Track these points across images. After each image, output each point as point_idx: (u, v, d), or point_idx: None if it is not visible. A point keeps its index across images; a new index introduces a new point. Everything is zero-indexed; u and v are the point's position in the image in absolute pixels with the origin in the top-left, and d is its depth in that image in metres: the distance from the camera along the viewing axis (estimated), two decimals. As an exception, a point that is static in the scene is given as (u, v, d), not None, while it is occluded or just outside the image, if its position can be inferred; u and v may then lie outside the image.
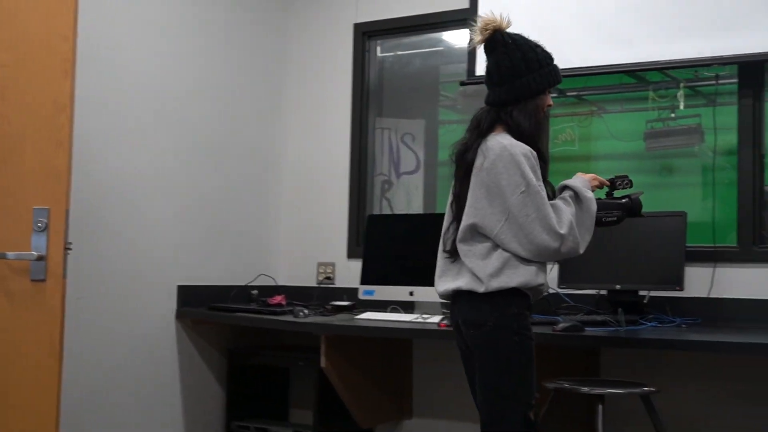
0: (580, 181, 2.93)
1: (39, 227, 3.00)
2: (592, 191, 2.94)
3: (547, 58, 2.91)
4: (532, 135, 2.85)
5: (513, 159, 2.75)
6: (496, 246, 2.78)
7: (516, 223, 2.74)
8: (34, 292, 3.01)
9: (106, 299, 4.03)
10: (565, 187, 2.91)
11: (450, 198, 3.01)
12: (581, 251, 2.82)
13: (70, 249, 3.09)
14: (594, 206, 2.86)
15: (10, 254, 3.01)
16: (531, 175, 2.74)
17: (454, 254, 2.90)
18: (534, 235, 2.72)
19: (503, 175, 2.75)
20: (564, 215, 2.77)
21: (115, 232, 4.08)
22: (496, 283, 2.75)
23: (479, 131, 2.91)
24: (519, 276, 2.76)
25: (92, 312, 3.94)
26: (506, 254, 2.77)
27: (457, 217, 2.91)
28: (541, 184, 2.78)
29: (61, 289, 3.03)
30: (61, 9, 3.05)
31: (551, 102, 2.95)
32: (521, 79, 2.85)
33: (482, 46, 2.92)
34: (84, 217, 3.77)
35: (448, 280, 2.91)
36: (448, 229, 2.97)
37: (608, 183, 3.06)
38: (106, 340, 4.03)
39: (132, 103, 4.20)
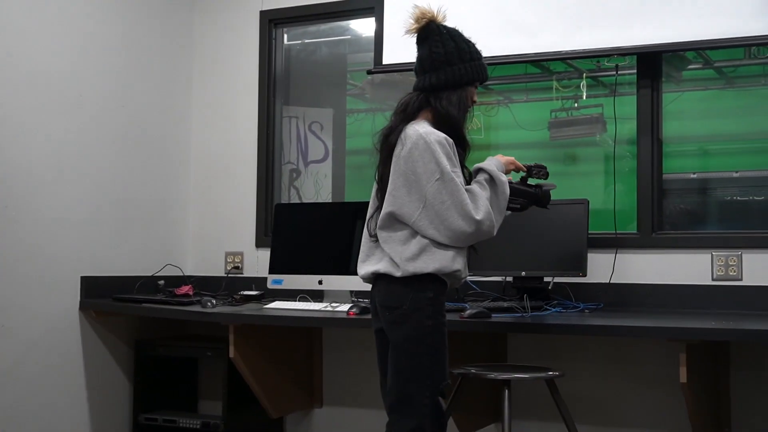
0: (495, 163, 2.99)
1: (-61, 219, 2.97)
2: (506, 174, 3.02)
3: (478, 53, 3.00)
4: (458, 122, 2.93)
5: (428, 147, 2.82)
6: (416, 233, 2.85)
7: (432, 210, 2.81)
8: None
9: (7, 291, 3.97)
10: (480, 170, 2.97)
11: (375, 183, 3.05)
12: (494, 233, 2.90)
13: (-30, 241, 3.06)
14: (507, 189, 2.94)
15: None
16: (445, 163, 2.80)
17: (372, 237, 2.98)
18: (450, 221, 2.80)
19: (419, 163, 2.82)
20: (480, 200, 2.85)
21: (16, 222, 4.01)
22: (412, 268, 2.83)
23: (404, 115, 2.97)
24: (435, 261, 2.83)
25: (-7, 305, 3.88)
26: (425, 240, 2.84)
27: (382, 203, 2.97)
28: (457, 170, 2.85)
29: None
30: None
31: (476, 98, 3.02)
32: (453, 67, 2.93)
33: (415, 36, 3.00)
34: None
35: (369, 264, 2.98)
36: (372, 214, 3.02)
37: (525, 169, 3.13)
38: (6, 332, 3.96)
39: (35, 98, 4.14)
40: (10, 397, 3.97)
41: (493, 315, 3.45)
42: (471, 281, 3.97)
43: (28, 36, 4.12)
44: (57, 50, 4.27)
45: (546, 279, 3.85)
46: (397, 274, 2.85)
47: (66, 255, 4.27)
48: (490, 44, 4.07)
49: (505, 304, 3.63)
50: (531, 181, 3.16)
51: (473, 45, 3.00)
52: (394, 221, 2.90)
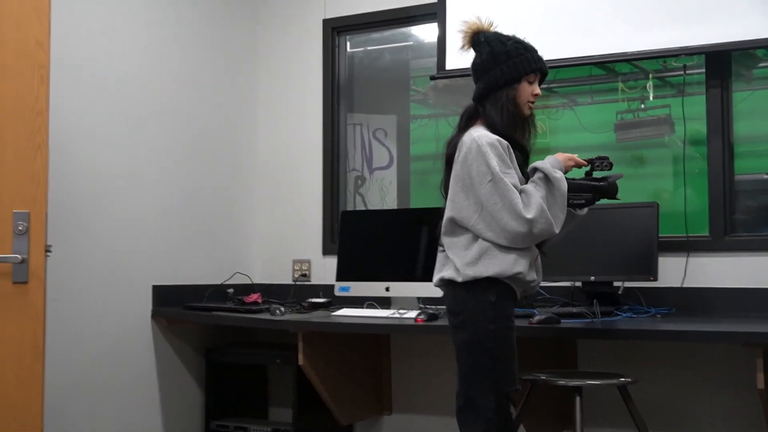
0: (551, 161, 2.98)
1: (20, 230, 3.06)
2: (567, 171, 3.00)
3: (519, 48, 3.00)
4: (505, 126, 2.94)
5: (480, 150, 2.85)
6: (477, 237, 2.88)
7: (488, 213, 2.84)
8: (16, 294, 3.08)
9: (83, 300, 4.04)
10: (535, 170, 2.96)
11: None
12: (557, 230, 2.88)
13: (50, 251, 3.15)
14: (564, 185, 2.91)
15: (-7, 257, 3.06)
16: (495, 164, 2.83)
17: (440, 246, 3.01)
18: (504, 223, 2.81)
19: (473, 166, 2.86)
20: (533, 199, 2.84)
21: (91, 233, 4.10)
22: (472, 272, 2.85)
23: (462, 125, 3.05)
24: (495, 265, 2.84)
25: (69, 313, 3.96)
26: (486, 244, 2.86)
27: None
28: (510, 171, 2.86)
29: (42, 291, 3.10)
30: (35, 16, 3.10)
31: (537, 91, 3.01)
32: (489, 73, 2.97)
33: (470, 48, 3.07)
34: (61, 219, 3.80)
35: (438, 271, 3.01)
36: (438, 223, 3.05)
37: (586, 163, 3.09)
38: (83, 340, 4.05)
39: (106, 107, 4.22)
40: (85, 403, 4.05)
41: (562, 320, 3.43)
42: (540, 287, 3.95)
43: (103, 49, 4.21)
44: (130, 62, 4.36)
45: (616, 284, 3.81)
46: (459, 279, 2.89)
47: (138, 264, 4.35)
48: (554, 46, 4.11)
49: (575, 310, 3.60)
50: (596, 174, 3.11)
51: (512, 42, 3.01)
52: (456, 226, 2.94)
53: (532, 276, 2.95)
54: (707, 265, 3.86)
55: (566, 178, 2.97)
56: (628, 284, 3.81)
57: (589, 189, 3.04)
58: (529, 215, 2.81)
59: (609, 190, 3.07)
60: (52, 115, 3.19)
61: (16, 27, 3.10)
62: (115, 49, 4.30)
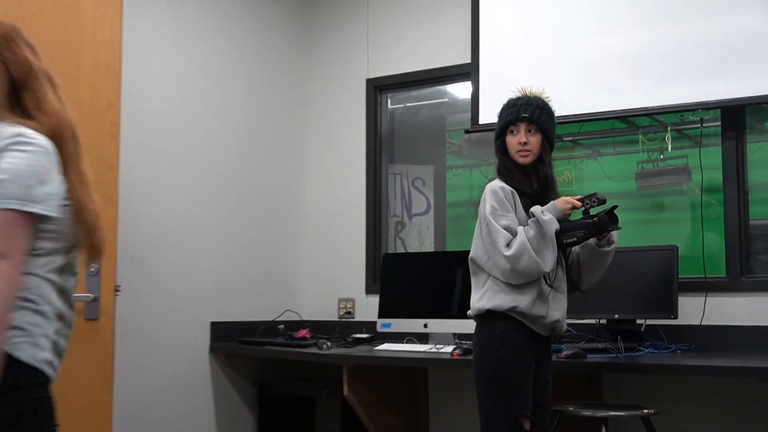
0: (548, 206, 2.96)
1: (92, 272, 3.13)
2: (568, 213, 2.98)
3: (503, 107, 3.06)
4: (504, 175, 3.01)
5: (484, 196, 2.97)
6: (488, 275, 2.94)
7: (488, 253, 2.91)
8: (88, 330, 3.13)
9: (147, 335, 4.09)
10: (531, 213, 2.96)
11: None
12: (545, 269, 2.87)
13: (118, 291, 3.20)
14: (551, 227, 2.88)
15: (70, 296, 3.13)
16: (489, 208, 2.91)
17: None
18: (495, 260, 2.88)
19: (480, 212, 2.97)
20: (517, 239, 2.87)
21: (156, 274, 4.15)
22: (478, 306, 2.94)
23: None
24: (495, 300, 2.90)
25: (135, 347, 4.00)
26: (491, 281, 2.93)
27: None
28: (508, 214, 2.91)
29: (111, 327, 3.15)
30: (107, 80, 3.19)
31: (521, 139, 2.97)
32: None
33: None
34: (129, 262, 3.86)
35: None
36: None
37: (579, 204, 3.01)
38: (147, 373, 4.09)
39: (171, 161, 4.30)
40: (153, 430, 4.09)
41: (588, 355, 3.42)
42: (567, 324, 3.92)
43: (168, 109, 4.30)
44: (193, 121, 4.45)
45: (638, 321, 3.77)
46: (471, 314, 2.98)
47: (197, 302, 4.39)
48: (580, 102, 4.14)
49: (600, 345, 3.58)
50: (593, 211, 3.03)
51: (505, 103, 3.06)
52: (475, 266, 3.01)
53: (540, 311, 2.92)
54: (725, 304, 3.81)
55: (565, 221, 2.96)
56: (649, 322, 3.77)
57: (581, 227, 2.96)
58: (508, 252, 2.85)
59: (600, 224, 2.95)
60: (122, 169, 3.27)
61: (90, 89, 3.18)
62: (180, 110, 4.38)
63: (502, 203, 2.92)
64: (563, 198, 3.02)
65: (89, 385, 3.13)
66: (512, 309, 2.88)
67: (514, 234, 2.88)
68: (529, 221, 2.94)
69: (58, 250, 1.95)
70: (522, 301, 2.88)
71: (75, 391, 3.12)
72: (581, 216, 3.01)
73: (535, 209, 2.95)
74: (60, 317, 1.97)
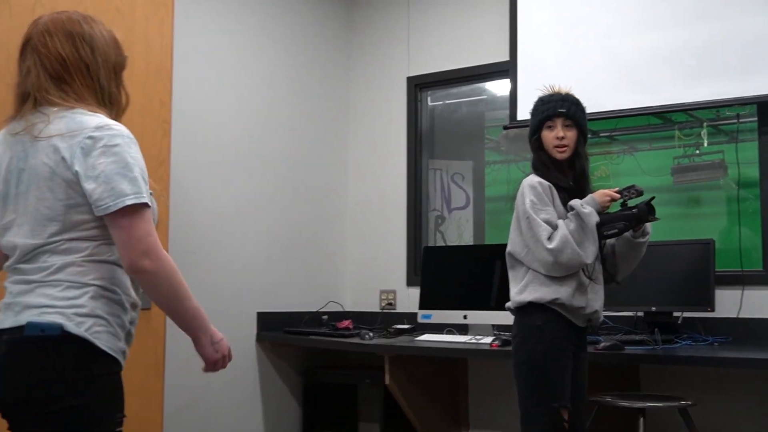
0: (587, 199, 2.94)
1: (144, 264, 3.13)
2: (606, 206, 2.95)
3: (537, 104, 3.05)
4: (541, 171, 2.99)
5: (522, 191, 2.94)
6: (528, 269, 2.91)
7: (528, 247, 2.87)
8: (141, 319, 3.08)
9: (196, 326, 4.11)
10: (570, 207, 2.94)
11: None
12: (587, 261, 2.85)
13: (169, 283, 3.20)
14: (592, 219, 2.86)
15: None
16: (529, 203, 2.88)
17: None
18: (537, 254, 2.86)
19: (519, 207, 2.94)
20: (559, 232, 2.85)
21: (205, 266, 4.16)
22: (518, 299, 2.91)
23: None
24: (536, 292, 2.87)
25: (183, 336, 3.97)
26: (532, 274, 2.90)
27: None
28: (547, 208, 2.89)
29: (163, 318, 3.14)
30: (159, 79, 3.19)
31: (558, 134, 2.96)
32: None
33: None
34: (179, 254, 3.85)
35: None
36: None
37: (618, 196, 2.99)
38: (196, 360, 4.09)
39: (219, 157, 4.31)
40: (198, 417, 4.10)
41: (625, 347, 3.36)
42: (604, 316, 3.87)
43: (217, 106, 4.31)
44: (240, 118, 4.45)
45: (675, 314, 3.71)
46: (512, 306, 2.95)
47: (244, 293, 4.40)
48: (616, 99, 4.08)
49: (637, 338, 3.52)
50: (631, 203, 3.00)
51: (538, 99, 3.05)
52: (513, 260, 2.98)
53: (580, 303, 2.89)
54: (761, 297, 3.73)
55: (603, 213, 2.93)
56: (686, 314, 3.71)
57: (621, 218, 2.94)
58: (550, 246, 2.83)
59: (640, 215, 2.93)
60: (172, 165, 3.27)
61: (142, 88, 3.18)
62: (228, 107, 4.39)
63: (541, 198, 2.89)
64: (601, 191, 2.99)
65: (142, 372, 3.14)
66: (553, 301, 2.85)
67: (554, 227, 2.86)
68: (568, 214, 2.91)
69: None
70: (563, 292, 2.85)
71: (129, 378, 3.08)
72: (619, 208, 2.99)
73: (575, 202, 2.92)
74: (134, 307, 1.97)
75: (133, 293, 1.94)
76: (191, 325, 1.97)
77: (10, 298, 1.87)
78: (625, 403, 3.15)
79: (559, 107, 2.96)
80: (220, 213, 4.28)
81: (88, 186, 1.81)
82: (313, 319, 4.65)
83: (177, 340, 3.87)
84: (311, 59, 4.91)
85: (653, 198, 2.97)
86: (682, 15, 3.98)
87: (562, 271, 2.85)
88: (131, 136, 1.87)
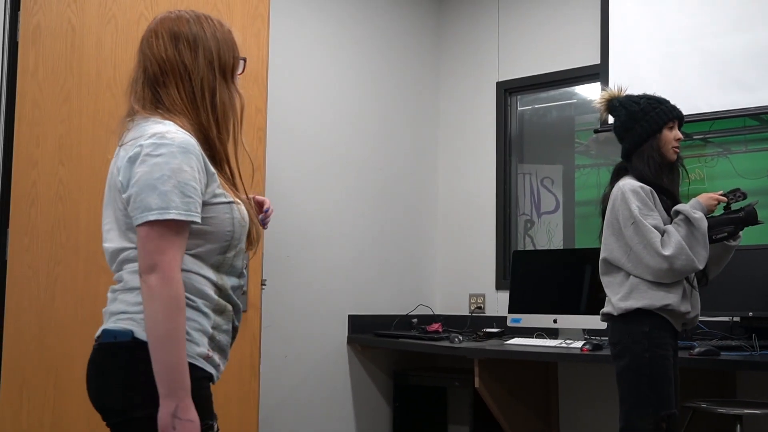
0: (693, 204, 2.92)
1: (242, 267, 3.20)
2: (712, 210, 2.94)
3: (653, 104, 2.99)
4: (652, 176, 2.93)
5: (624, 197, 2.87)
6: (628, 275, 2.86)
7: (633, 252, 2.83)
8: (236, 322, 3.21)
9: (290, 327, 4.18)
10: (677, 212, 2.90)
11: None
12: (700, 266, 2.83)
13: (264, 285, 3.28)
14: (704, 224, 2.84)
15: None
16: (635, 208, 2.82)
17: (601, 287, 2.97)
18: (646, 261, 2.80)
19: (619, 212, 2.88)
20: (672, 238, 2.81)
21: (299, 270, 4.24)
22: (624, 306, 2.83)
23: (612, 180, 3.07)
24: (645, 299, 2.81)
25: (279, 338, 4.10)
26: (636, 280, 2.84)
27: None
28: (653, 213, 2.84)
29: (258, 318, 3.23)
30: (255, 87, 3.27)
31: (678, 135, 2.97)
32: (630, 132, 2.98)
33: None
34: (274, 257, 3.96)
35: (604, 307, 2.99)
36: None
37: (724, 199, 2.98)
38: (289, 361, 4.18)
39: (313, 162, 4.38)
40: (291, 416, 4.17)
41: (721, 353, 3.28)
42: (699, 321, 3.78)
43: (311, 113, 4.39)
44: (332, 124, 4.52)
45: (774, 319, 3.60)
46: (615, 313, 2.87)
47: (336, 296, 4.45)
48: (710, 100, 4.00)
49: (734, 343, 3.43)
50: (734, 206, 2.99)
51: (645, 99, 3.00)
52: (610, 266, 2.93)
53: (686, 308, 2.87)
54: None
55: (708, 217, 2.90)
56: (786, 320, 3.59)
57: (729, 222, 2.93)
58: (667, 252, 2.78)
59: (748, 218, 2.93)
60: (267, 170, 3.34)
61: (240, 96, 3.27)
62: (321, 114, 4.46)
63: (645, 202, 2.86)
64: (706, 194, 2.97)
65: (239, 372, 3.22)
66: (664, 307, 2.81)
67: (662, 233, 2.82)
68: (677, 220, 2.88)
69: (212, 248, 1.81)
70: (672, 298, 2.82)
71: (226, 378, 3.17)
72: (723, 212, 2.97)
73: (683, 208, 2.89)
74: (220, 312, 1.84)
75: (215, 297, 1.82)
76: (166, 377, 1.67)
77: (107, 305, 1.86)
78: (722, 410, 3.08)
79: (677, 109, 2.99)
80: (313, 218, 4.36)
81: (126, 196, 1.76)
82: (402, 322, 4.68)
83: (271, 342, 3.99)
84: (401, 65, 4.95)
85: (757, 202, 2.95)
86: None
87: (675, 277, 2.82)
88: (187, 146, 1.75)
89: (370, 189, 4.70)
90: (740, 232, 2.99)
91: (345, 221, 4.53)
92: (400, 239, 4.87)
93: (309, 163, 4.36)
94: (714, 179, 4.32)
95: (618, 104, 3.03)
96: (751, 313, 3.64)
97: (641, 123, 2.95)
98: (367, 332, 4.52)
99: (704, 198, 2.95)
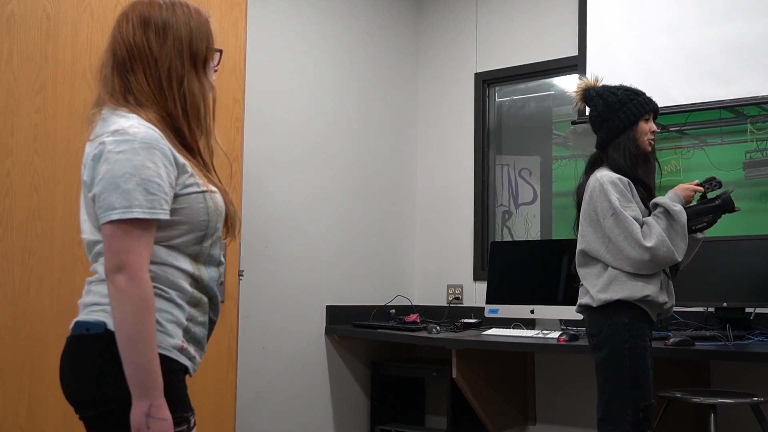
0: (670, 196, 2.94)
1: (218, 258, 3.19)
2: (690, 200, 2.96)
3: (630, 95, 3.00)
4: (628, 167, 2.94)
5: (602, 188, 2.87)
6: (606, 266, 2.87)
7: (612, 244, 2.83)
8: (213, 312, 3.19)
9: (268, 318, 4.17)
10: (656, 205, 2.92)
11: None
12: (679, 258, 2.85)
13: (242, 276, 3.26)
14: (683, 216, 2.87)
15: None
16: (615, 199, 2.83)
17: (577, 277, 2.98)
18: (627, 252, 2.80)
19: (597, 203, 2.88)
20: (653, 229, 2.82)
21: (276, 260, 4.22)
22: (604, 297, 2.84)
23: (588, 170, 3.07)
24: (625, 290, 2.82)
25: (257, 329, 4.09)
26: (614, 272, 2.85)
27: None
28: (631, 205, 2.85)
29: (236, 309, 3.21)
30: (233, 77, 3.25)
31: (654, 127, 2.99)
32: (608, 122, 2.98)
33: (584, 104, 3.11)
34: (252, 248, 3.94)
35: (579, 298, 3.00)
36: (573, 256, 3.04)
37: (701, 189, 3.01)
38: (267, 352, 4.18)
39: (291, 153, 4.36)
40: (269, 407, 4.17)
41: (696, 343, 3.31)
42: (674, 311, 3.82)
43: (288, 104, 4.36)
44: (311, 115, 4.50)
45: (748, 310, 3.63)
46: (594, 304, 2.87)
47: (314, 287, 4.45)
48: (687, 92, 4.01)
49: (708, 333, 3.47)
50: (710, 195, 3.02)
51: (622, 90, 3.00)
52: (587, 258, 2.93)
53: (664, 298, 2.89)
54: (837, 293, 3.63)
55: (686, 208, 2.93)
56: (759, 310, 3.63)
57: (708, 211, 2.96)
58: (649, 243, 2.79)
59: (725, 205, 2.97)
60: (245, 161, 3.33)
61: (217, 86, 3.19)
62: (299, 105, 4.44)
63: (624, 194, 2.86)
64: (682, 185, 3.00)
65: (216, 364, 3.20)
66: (644, 298, 2.82)
67: (641, 224, 2.83)
68: (656, 212, 2.89)
69: (189, 239, 1.79)
70: (651, 289, 2.84)
71: (203, 370, 3.16)
72: (698, 201, 3.00)
73: (662, 200, 2.91)
74: (194, 303, 1.81)
75: (189, 289, 1.78)
76: (138, 377, 1.64)
77: (83, 296, 1.83)
78: (697, 399, 3.10)
79: (653, 102, 3.00)
80: (291, 209, 4.34)
81: (91, 195, 1.73)
82: (381, 312, 4.68)
83: (249, 333, 3.98)
84: (380, 56, 4.94)
85: (732, 189, 2.98)
86: (754, 6, 3.89)
87: (654, 268, 2.84)
88: (150, 141, 1.71)
89: (349, 180, 4.69)
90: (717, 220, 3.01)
91: (323, 212, 4.53)
92: (378, 230, 4.86)
93: (287, 154, 4.34)
94: (690, 171, 4.34)
95: (595, 94, 3.03)
96: (725, 304, 3.67)
97: (618, 114, 2.95)
98: (345, 323, 4.52)
99: (681, 189, 2.97)
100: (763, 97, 3.86)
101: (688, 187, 2.99)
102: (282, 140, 4.32)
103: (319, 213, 4.50)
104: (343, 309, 4.57)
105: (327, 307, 4.50)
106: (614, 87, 3.03)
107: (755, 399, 3.08)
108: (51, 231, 2.99)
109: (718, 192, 3.01)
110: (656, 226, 2.83)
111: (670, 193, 2.96)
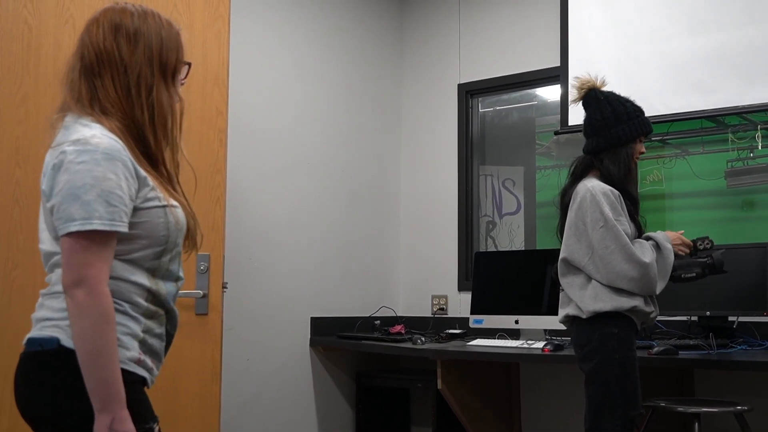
0: (663, 235, 2.94)
1: (201, 270, 3.18)
2: (681, 254, 2.98)
3: (637, 111, 2.97)
4: (621, 179, 2.91)
5: (594, 198, 2.83)
6: (589, 277, 2.85)
7: (598, 256, 2.80)
8: (198, 325, 3.18)
9: (252, 329, 4.16)
10: (648, 237, 2.93)
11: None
12: (657, 291, 2.84)
13: (226, 288, 3.25)
14: (671, 257, 2.88)
15: (181, 293, 3.19)
16: (608, 211, 2.80)
17: (558, 283, 2.97)
18: (614, 265, 2.77)
19: (587, 213, 2.83)
20: (646, 249, 2.82)
21: (260, 272, 4.21)
22: (593, 308, 2.81)
23: (574, 177, 3.02)
24: (613, 300, 2.80)
25: (241, 341, 4.08)
26: (598, 284, 2.83)
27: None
28: (621, 219, 2.82)
29: (220, 321, 3.20)
30: (216, 89, 3.25)
31: (643, 149, 3.00)
32: (611, 130, 2.92)
33: (581, 102, 3.01)
34: (236, 260, 3.93)
35: (562, 309, 2.98)
36: (555, 264, 3.03)
37: (691, 244, 3.01)
38: (252, 364, 4.16)
39: (275, 165, 4.35)
40: (254, 418, 4.15)
41: (680, 352, 3.32)
42: (657, 320, 3.83)
43: (272, 115, 4.36)
44: (296, 127, 4.50)
45: (730, 318, 3.65)
46: (583, 316, 2.85)
47: (298, 298, 4.44)
48: (668, 102, 4.04)
49: (692, 342, 3.48)
50: (700, 254, 3.05)
51: (631, 104, 2.97)
52: (570, 267, 2.91)
53: (650, 308, 2.90)
54: (819, 301, 3.66)
55: (679, 257, 2.95)
56: (742, 319, 3.66)
57: (698, 265, 3.00)
58: (646, 260, 2.77)
59: (716, 266, 3.01)
60: (229, 173, 3.32)
61: (200, 98, 3.25)
62: (282, 116, 4.44)
63: (615, 207, 2.84)
64: (678, 236, 2.99)
65: (200, 376, 3.19)
66: (632, 308, 2.81)
67: (631, 239, 2.83)
68: (648, 244, 2.88)
69: (147, 254, 1.76)
70: (638, 300, 2.83)
71: (187, 381, 3.19)
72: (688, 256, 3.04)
73: (656, 235, 2.91)
74: (150, 316, 1.78)
75: (144, 303, 1.76)
76: (100, 392, 1.61)
77: (35, 310, 1.80)
78: (681, 408, 3.11)
79: (651, 125, 3.01)
80: (275, 220, 4.34)
81: (50, 205, 1.70)
82: (365, 323, 4.67)
83: (233, 344, 3.96)
84: (363, 67, 4.95)
85: (723, 250, 3.02)
86: (735, 17, 3.94)
87: (635, 287, 2.79)
88: (111, 152, 1.68)
89: (332, 190, 4.69)
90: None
91: (307, 223, 4.52)
92: (363, 241, 4.86)
93: (271, 165, 4.34)
94: (672, 180, 4.38)
95: (603, 98, 2.97)
96: (708, 313, 3.69)
97: (624, 126, 2.91)
98: (329, 334, 4.51)
99: (674, 235, 2.97)
100: (743, 107, 3.89)
101: (678, 236, 2.98)
102: (266, 152, 4.32)
103: (303, 224, 4.49)
104: (328, 320, 4.56)
105: (312, 318, 4.49)
106: (623, 98, 2.98)
107: (739, 407, 3.09)
108: (33, 243, 2.95)
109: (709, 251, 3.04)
110: (649, 249, 2.83)
111: (661, 233, 2.96)
